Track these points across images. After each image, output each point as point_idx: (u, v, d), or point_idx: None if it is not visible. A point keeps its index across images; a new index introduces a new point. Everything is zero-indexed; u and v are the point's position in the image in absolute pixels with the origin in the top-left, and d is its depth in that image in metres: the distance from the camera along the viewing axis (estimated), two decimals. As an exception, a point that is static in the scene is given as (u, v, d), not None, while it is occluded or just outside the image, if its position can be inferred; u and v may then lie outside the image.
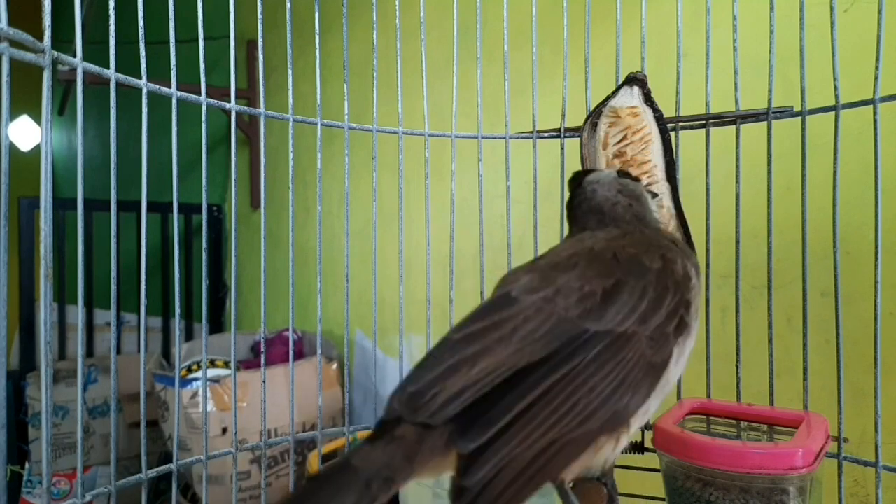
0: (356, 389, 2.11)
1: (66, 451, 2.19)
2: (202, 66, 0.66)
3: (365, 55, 1.27)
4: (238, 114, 0.69)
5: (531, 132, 0.78)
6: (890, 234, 0.77)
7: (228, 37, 0.69)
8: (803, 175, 0.65)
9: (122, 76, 0.59)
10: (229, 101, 0.68)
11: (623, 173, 0.55)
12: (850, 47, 0.72)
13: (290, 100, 0.72)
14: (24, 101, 1.06)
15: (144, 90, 0.61)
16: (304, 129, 0.74)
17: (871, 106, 0.60)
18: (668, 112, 0.68)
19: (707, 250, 0.71)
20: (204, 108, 0.67)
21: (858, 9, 0.84)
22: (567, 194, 0.59)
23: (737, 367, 0.70)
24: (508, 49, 0.78)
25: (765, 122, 0.68)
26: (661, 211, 0.65)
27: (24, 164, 1.44)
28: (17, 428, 2.33)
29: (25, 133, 4.83)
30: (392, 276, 1.17)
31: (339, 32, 0.75)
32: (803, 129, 0.65)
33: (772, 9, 0.68)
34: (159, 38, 0.67)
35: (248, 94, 2.74)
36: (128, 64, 0.60)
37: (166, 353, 2.83)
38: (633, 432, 0.43)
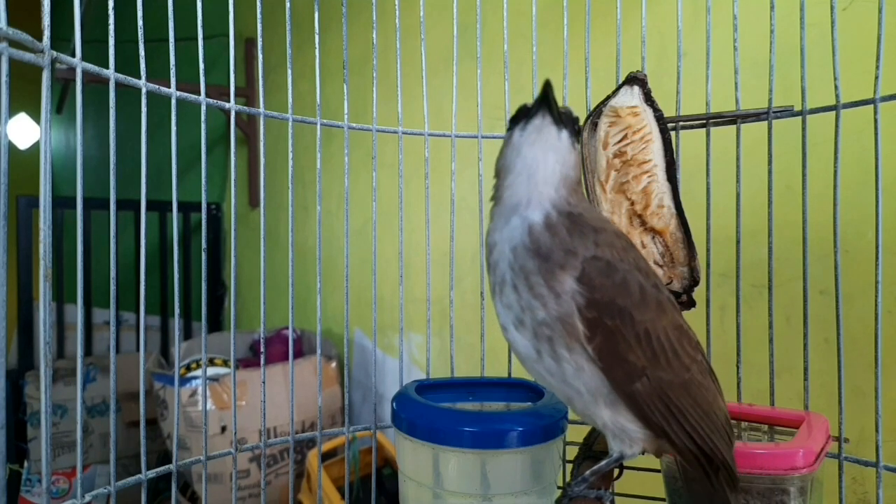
0: (355, 388, 2.11)
1: (64, 450, 2.19)
2: (201, 65, 0.66)
3: (364, 54, 1.26)
4: (237, 113, 0.68)
5: (531, 131, 0.77)
6: (890, 233, 0.77)
7: (227, 35, 0.69)
8: (804, 174, 0.65)
9: (121, 76, 0.58)
10: (228, 100, 0.68)
11: None
12: (850, 46, 0.72)
13: (290, 99, 0.71)
14: (21, 98, 1.05)
15: (144, 90, 0.61)
16: (304, 128, 0.74)
17: (871, 105, 0.60)
18: (668, 111, 0.68)
19: (707, 249, 0.71)
20: (203, 107, 0.66)
21: (857, 7, 0.84)
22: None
23: (737, 366, 0.70)
24: (508, 48, 0.78)
25: (765, 122, 0.68)
26: (662, 211, 0.65)
27: (21, 162, 1.43)
28: (15, 427, 2.33)
29: (23, 131, 4.80)
30: (392, 276, 1.17)
31: (338, 31, 0.75)
32: (804, 128, 0.65)
33: (772, 8, 0.68)
34: (157, 36, 0.66)
35: (246, 93, 2.73)
36: (126, 63, 0.60)
37: (165, 351, 2.83)
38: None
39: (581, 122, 0.50)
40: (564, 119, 0.48)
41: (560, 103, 0.48)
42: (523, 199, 0.48)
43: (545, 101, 0.47)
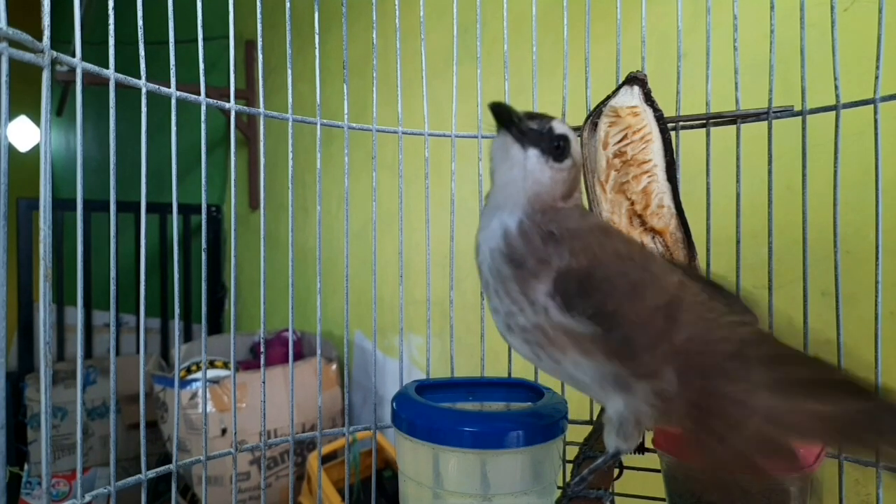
0: (356, 390, 2.11)
1: (64, 453, 2.19)
2: (201, 66, 0.66)
3: (364, 55, 1.26)
4: (237, 114, 0.68)
5: (531, 132, 0.77)
6: (890, 234, 0.77)
7: (227, 37, 0.69)
8: (804, 175, 0.65)
9: (121, 76, 0.58)
10: (228, 102, 0.68)
11: None
12: (851, 47, 0.72)
13: (290, 100, 0.72)
14: (21, 101, 1.06)
15: (144, 90, 0.61)
16: (304, 129, 0.74)
17: (871, 105, 0.60)
18: (668, 112, 0.68)
19: (707, 250, 0.71)
20: (203, 108, 0.66)
21: (858, 8, 0.84)
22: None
23: (737, 366, 0.70)
24: (508, 49, 0.78)
25: (765, 122, 0.68)
26: (662, 211, 0.65)
27: (22, 164, 1.43)
28: (15, 429, 2.33)
29: (23, 133, 4.82)
30: (392, 277, 1.17)
31: (338, 32, 0.75)
32: (804, 128, 0.65)
33: (772, 8, 0.68)
34: (158, 38, 0.66)
35: (246, 95, 2.74)
36: (127, 64, 0.60)
37: (165, 353, 2.83)
38: None
39: (570, 140, 0.48)
40: (532, 137, 0.47)
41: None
42: (501, 205, 0.48)
43: (500, 122, 0.47)
